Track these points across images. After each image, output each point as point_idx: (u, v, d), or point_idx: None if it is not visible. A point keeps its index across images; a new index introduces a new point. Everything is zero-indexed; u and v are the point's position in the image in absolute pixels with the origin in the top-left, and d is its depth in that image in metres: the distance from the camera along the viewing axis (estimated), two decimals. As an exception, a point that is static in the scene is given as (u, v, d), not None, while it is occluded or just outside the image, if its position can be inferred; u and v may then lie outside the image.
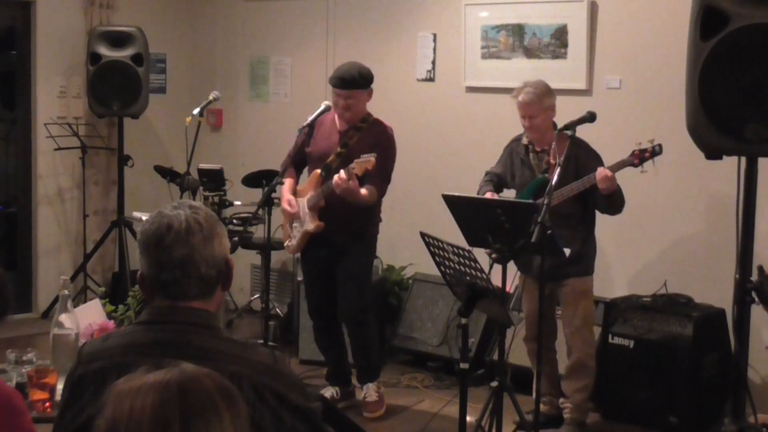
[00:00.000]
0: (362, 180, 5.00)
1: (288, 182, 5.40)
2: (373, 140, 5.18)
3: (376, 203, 5.27)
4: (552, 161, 4.86)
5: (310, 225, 5.22)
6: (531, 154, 5.03)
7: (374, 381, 5.44)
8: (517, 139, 5.14)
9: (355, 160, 4.92)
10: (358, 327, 5.35)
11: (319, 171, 5.22)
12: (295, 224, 5.35)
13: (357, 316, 5.32)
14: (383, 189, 5.21)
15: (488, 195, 4.96)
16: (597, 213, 5.03)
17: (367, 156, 4.90)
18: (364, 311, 5.34)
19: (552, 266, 4.64)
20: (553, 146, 4.74)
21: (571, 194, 4.77)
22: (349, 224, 5.20)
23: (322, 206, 5.19)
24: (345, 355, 5.55)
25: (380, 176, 5.12)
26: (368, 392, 5.42)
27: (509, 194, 5.18)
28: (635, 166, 4.71)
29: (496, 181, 5.18)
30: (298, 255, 5.65)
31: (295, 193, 5.36)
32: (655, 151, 4.70)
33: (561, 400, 5.17)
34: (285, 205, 5.31)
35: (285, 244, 5.48)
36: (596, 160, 4.86)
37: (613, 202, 4.81)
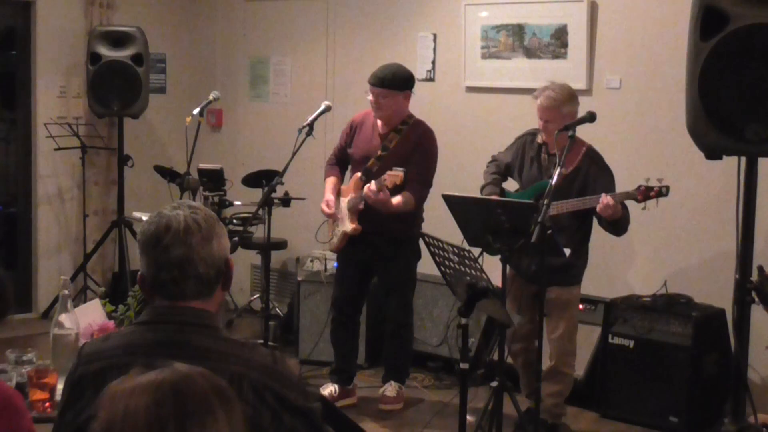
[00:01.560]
0: (401, 187, 4.93)
1: (330, 181, 5.44)
2: (413, 142, 5.20)
3: (417, 209, 5.25)
4: (561, 168, 4.83)
5: (349, 227, 5.27)
6: (543, 155, 4.94)
7: (399, 382, 5.50)
8: (533, 134, 5.02)
9: (387, 172, 4.90)
10: (400, 329, 5.44)
11: (359, 174, 5.23)
12: (337, 224, 5.39)
13: (402, 320, 5.42)
14: (423, 194, 5.19)
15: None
16: (594, 227, 4.94)
17: (397, 169, 4.86)
18: (409, 315, 5.45)
19: (538, 270, 4.60)
20: (562, 152, 4.66)
21: (566, 210, 4.69)
22: (388, 228, 5.20)
23: (361, 209, 5.20)
24: (354, 354, 5.58)
25: (419, 181, 5.11)
26: (389, 388, 5.46)
27: (512, 185, 5.13)
28: (638, 201, 4.63)
29: (503, 172, 5.09)
30: (296, 256, 5.66)
31: (339, 192, 5.39)
32: (661, 193, 4.62)
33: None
34: (323, 206, 5.36)
35: (328, 241, 5.53)
36: (606, 179, 4.78)
37: (617, 228, 4.75)
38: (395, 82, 5.16)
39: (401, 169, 4.89)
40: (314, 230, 5.65)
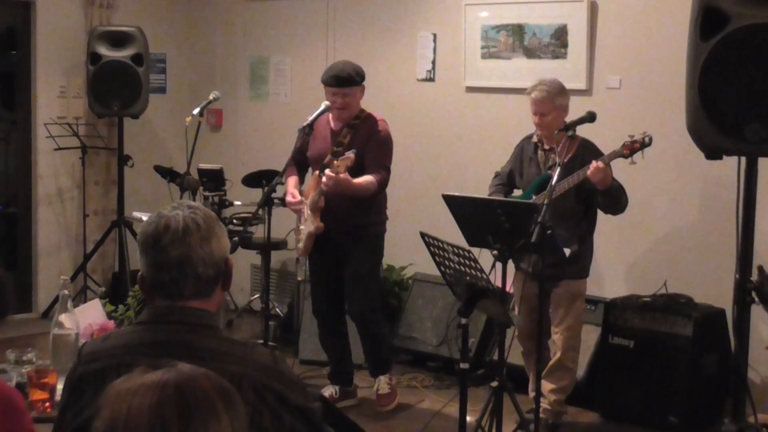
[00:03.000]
0: (357, 176, 5.02)
1: (291, 179, 5.43)
2: (365, 135, 5.22)
3: (380, 198, 5.29)
4: (557, 159, 4.86)
5: (311, 226, 5.25)
6: (539, 152, 5.04)
7: (386, 374, 5.50)
8: (528, 137, 5.15)
9: (336, 160, 4.96)
10: (366, 325, 5.40)
11: (317, 172, 5.24)
12: (302, 227, 5.38)
13: (365, 316, 5.37)
14: (384, 179, 5.20)
15: None
16: (598, 216, 5.02)
17: (347, 153, 4.95)
18: (372, 311, 5.40)
19: (547, 266, 4.64)
20: (560, 145, 4.73)
21: (566, 188, 4.75)
22: (350, 223, 5.22)
23: (322, 207, 5.21)
24: (348, 355, 5.57)
25: (376, 165, 5.15)
26: (380, 385, 5.48)
27: (516, 194, 5.17)
28: (625, 157, 4.69)
29: (507, 183, 5.20)
30: (296, 256, 5.66)
31: (301, 193, 5.39)
32: (645, 143, 4.68)
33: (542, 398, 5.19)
34: (288, 198, 5.36)
35: (296, 247, 5.52)
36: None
37: (611, 199, 4.80)
38: (356, 79, 5.23)
39: (351, 151, 4.95)
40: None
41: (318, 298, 5.50)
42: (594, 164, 4.66)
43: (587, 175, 4.68)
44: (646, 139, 4.69)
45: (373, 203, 5.28)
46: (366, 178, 5.11)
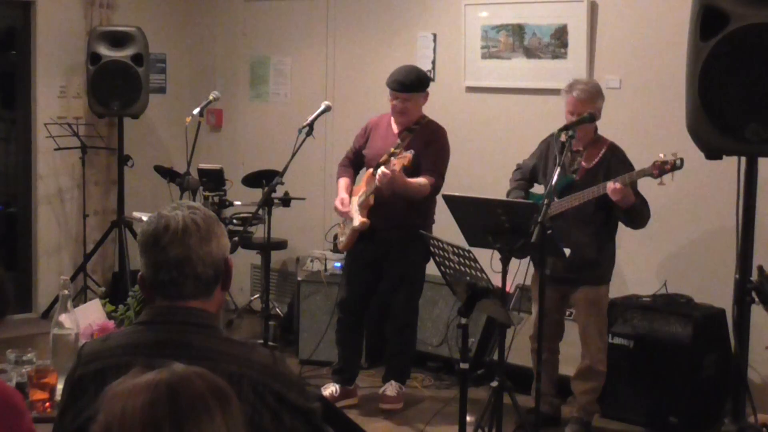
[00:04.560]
0: (410, 171, 5.03)
1: (342, 181, 5.46)
2: (425, 140, 5.23)
3: (429, 202, 5.28)
4: (584, 163, 4.86)
5: (357, 221, 5.26)
6: (566, 153, 4.98)
7: (400, 382, 5.48)
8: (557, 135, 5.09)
9: (395, 158, 4.97)
10: (404, 328, 5.41)
11: (371, 170, 5.25)
12: (346, 222, 5.40)
13: (407, 319, 5.39)
14: (437, 183, 5.20)
15: None
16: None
17: (405, 152, 4.96)
18: (413, 314, 5.43)
19: (565, 269, 4.65)
20: (582, 148, 4.68)
21: (579, 201, 4.74)
22: (399, 222, 5.21)
23: (371, 204, 5.22)
24: (359, 355, 5.57)
25: (432, 170, 5.17)
26: (389, 388, 5.44)
27: (539, 190, 5.14)
28: (654, 177, 4.63)
29: (528, 177, 5.15)
30: (296, 256, 5.65)
31: (351, 193, 5.41)
32: (676, 165, 4.62)
33: (569, 398, 5.20)
34: (337, 203, 5.37)
35: (338, 241, 5.54)
36: (625, 169, 4.79)
37: (632, 217, 4.78)
38: (419, 85, 5.25)
39: (410, 151, 4.96)
40: (314, 230, 5.68)
41: (348, 293, 5.46)
42: (611, 186, 4.61)
43: (606, 193, 4.63)
44: (678, 162, 4.62)
45: (423, 206, 5.27)
46: (420, 180, 5.12)
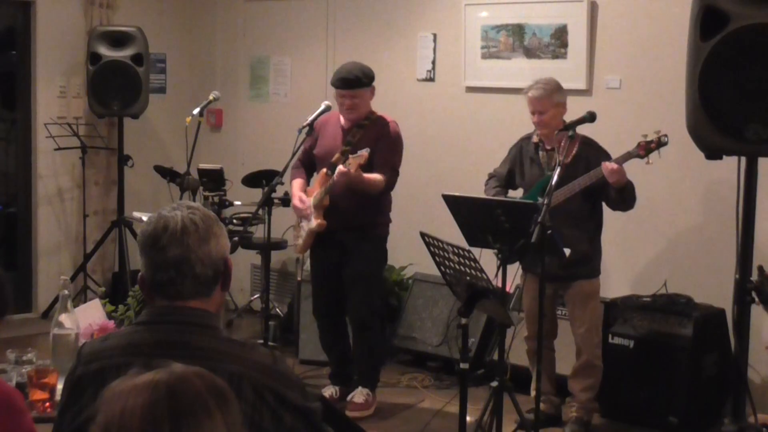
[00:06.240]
0: (366, 169, 5.03)
1: (296, 182, 5.42)
2: (375, 135, 5.21)
3: (384, 199, 5.29)
4: (560, 158, 4.87)
5: (313, 223, 5.24)
6: (541, 152, 5.02)
7: (368, 388, 5.38)
8: (527, 138, 5.13)
9: (350, 156, 4.95)
10: (363, 331, 5.34)
11: (325, 170, 5.24)
12: (302, 224, 5.37)
13: (363, 320, 5.31)
14: (391, 179, 5.22)
15: None
16: (604, 214, 5.01)
17: (360, 151, 4.94)
18: (372, 316, 5.34)
19: (560, 266, 4.65)
20: (561, 144, 4.74)
21: (577, 189, 4.76)
22: (353, 222, 5.21)
23: (326, 205, 5.20)
24: (348, 356, 5.55)
25: (386, 167, 5.17)
26: (357, 394, 5.36)
27: (516, 194, 5.17)
28: (641, 157, 4.67)
29: (504, 185, 5.19)
30: (299, 255, 5.64)
31: (306, 194, 5.39)
32: (661, 142, 4.65)
33: (567, 399, 5.19)
34: (296, 202, 5.35)
35: (295, 243, 5.51)
36: (605, 157, 4.84)
37: (625, 196, 4.80)
38: (365, 81, 5.23)
39: (366, 149, 4.95)
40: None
41: (318, 299, 5.48)
42: (608, 166, 4.63)
43: (603, 175, 4.66)
44: (663, 138, 4.65)
45: (379, 203, 5.28)
46: (375, 176, 5.12)
